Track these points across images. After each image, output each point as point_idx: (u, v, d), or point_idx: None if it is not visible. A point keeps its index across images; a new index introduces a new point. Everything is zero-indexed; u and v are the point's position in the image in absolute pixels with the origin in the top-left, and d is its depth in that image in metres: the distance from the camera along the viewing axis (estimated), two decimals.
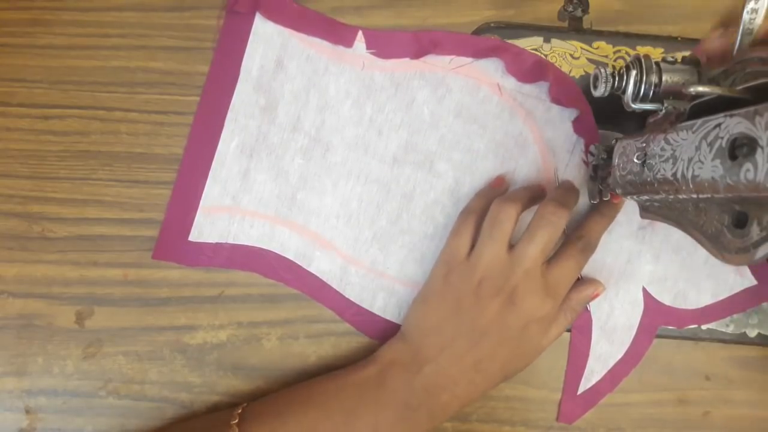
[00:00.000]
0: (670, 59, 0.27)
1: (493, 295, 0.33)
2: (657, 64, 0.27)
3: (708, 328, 0.38)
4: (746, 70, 0.22)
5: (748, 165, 0.20)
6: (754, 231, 0.21)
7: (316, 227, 0.39)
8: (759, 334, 0.38)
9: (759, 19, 0.23)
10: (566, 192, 0.36)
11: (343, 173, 0.39)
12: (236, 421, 0.33)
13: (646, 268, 0.38)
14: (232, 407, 0.35)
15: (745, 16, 0.23)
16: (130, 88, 0.40)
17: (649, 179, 0.27)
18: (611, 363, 0.38)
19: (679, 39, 0.39)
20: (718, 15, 0.26)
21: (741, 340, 0.38)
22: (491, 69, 0.38)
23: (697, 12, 0.39)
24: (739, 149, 0.21)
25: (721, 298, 0.38)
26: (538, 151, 0.38)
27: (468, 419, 0.39)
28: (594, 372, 0.39)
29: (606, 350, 0.39)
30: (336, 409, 0.33)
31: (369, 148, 0.38)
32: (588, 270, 0.38)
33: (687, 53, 0.27)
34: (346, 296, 0.39)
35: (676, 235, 0.38)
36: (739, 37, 0.23)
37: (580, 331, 0.39)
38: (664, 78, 0.26)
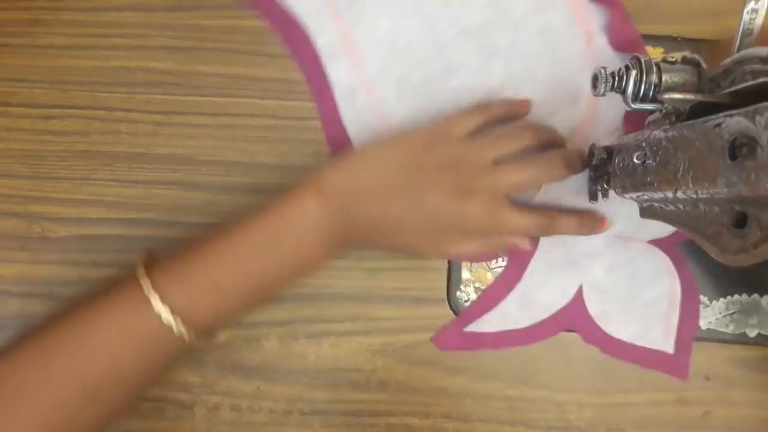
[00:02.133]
0: (670, 59, 0.27)
1: (453, 183, 0.33)
2: (657, 64, 0.27)
3: (708, 328, 0.38)
4: (746, 70, 0.23)
5: (748, 165, 0.20)
6: (754, 231, 0.21)
7: (360, 34, 0.38)
8: (759, 334, 0.38)
9: (759, 19, 0.23)
10: (578, 159, 0.36)
11: (412, 11, 0.38)
12: (141, 263, 0.32)
13: (597, 272, 0.38)
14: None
15: (745, 17, 0.23)
16: (130, 88, 0.40)
17: (649, 179, 0.27)
18: (509, 326, 0.38)
19: (679, 39, 0.39)
20: (718, 15, 0.26)
21: (741, 340, 0.38)
22: (594, 15, 0.38)
23: (696, 12, 0.39)
24: (739, 149, 0.21)
25: (635, 343, 0.38)
26: (585, 114, 0.38)
27: (468, 419, 0.39)
28: (489, 323, 0.39)
29: (513, 314, 0.38)
30: (257, 235, 0.32)
31: (450, 5, 0.38)
32: (553, 238, 0.38)
33: (687, 53, 0.27)
34: (340, 110, 0.38)
35: (641, 262, 0.38)
36: (739, 37, 0.23)
37: (511, 272, 0.39)
38: (664, 78, 0.26)
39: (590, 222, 0.37)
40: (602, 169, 0.34)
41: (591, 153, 0.35)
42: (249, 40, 0.40)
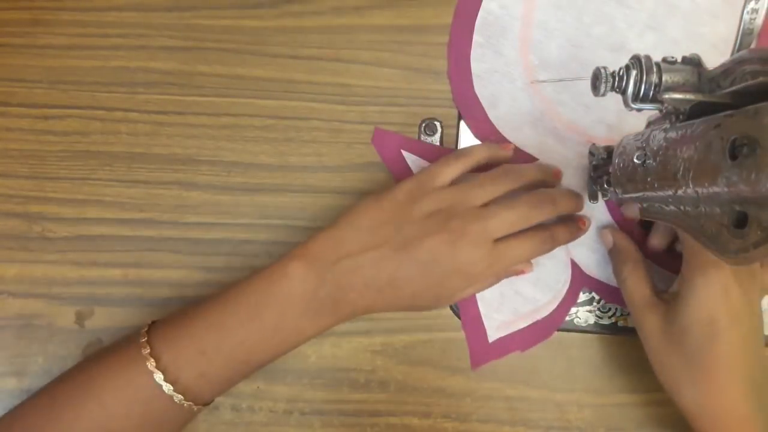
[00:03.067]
0: (670, 59, 0.27)
1: (440, 228, 0.32)
2: (657, 64, 0.26)
3: None
4: (746, 70, 0.22)
5: (748, 165, 0.20)
6: (754, 231, 0.21)
7: None
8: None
9: (759, 20, 0.23)
10: (573, 199, 0.36)
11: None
12: (146, 329, 0.32)
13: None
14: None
15: (745, 17, 0.23)
16: (130, 88, 0.40)
17: (649, 179, 0.27)
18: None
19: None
20: (716, 16, 0.26)
21: None
22: None
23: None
24: (739, 149, 0.21)
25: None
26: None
27: (468, 419, 0.39)
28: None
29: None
30: (241, 303, 0.32)
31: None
32: None
33: (687, 53, 0.27)
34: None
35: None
36: (739, 37, 0.23)
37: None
38: (664, 78, 0.26)
39: (576, 226, 0.37)
40: (602, 169, 0.34)
41: (591, 153, 0.35)
42: (249, 40, 0.40)
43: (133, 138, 0.40)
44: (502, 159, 0.37)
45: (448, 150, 0.39)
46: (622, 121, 0.38)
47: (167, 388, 0.30)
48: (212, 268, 0.39)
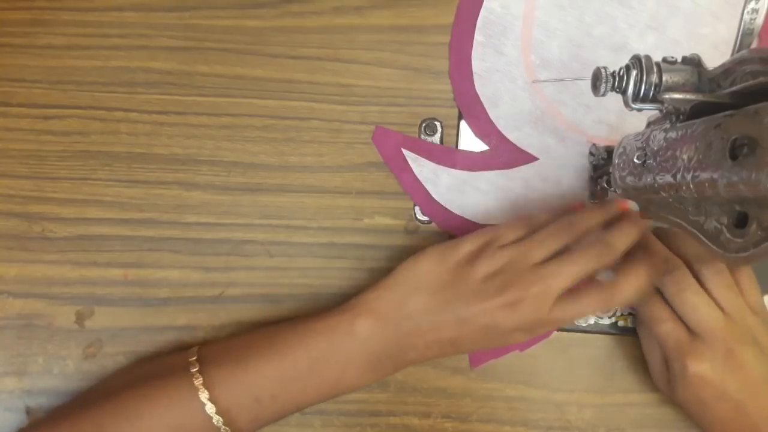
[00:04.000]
0: (670, 59, 0.27)
1: (500, 291, 0.32)
2: (657, 64, 0.26)
3: None
4: (746, 70, 0.22)
5: (749, 165, 0.20)
6: (754, 231, 0.21)
7: None
8: None
9: (759, 19, 0.23)
10: (631, 232, 0.34)
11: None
12: (197, 368, 0.32)
13: None
14: (184, 351, 0.34)
15: (746, 17, 0.23)
16: (130, 88, 0.40)
17: (649, 179, 0.27)
18: None
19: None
20: (717, 17, 0.26)
21: None
22: None
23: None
24: (740, 149, 0.21)
25: None
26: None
27: (468, 419, 0.39)
28: None
29: None
30: (301, 356, 0.32)
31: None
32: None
33: (688, 53, 0.27)
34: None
35: None
36: (739, 37, 0.23)
37: None
38: (664, 78, 0.26)
39: (647, 276, 0.33)
40: (602, 169, 0.34)
41: (591, 153, 0.35)
42: (249, 40, 0.40)
43: (133, 138, 0.39)
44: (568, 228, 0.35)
45: (449, 149, 0.39)
46: (623, 122, 0.38)
47: (221, 428, 0.31)
48: (212, 268, 0.39)
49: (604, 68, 0.29)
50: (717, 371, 0.32)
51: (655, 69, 0.26)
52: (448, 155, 0.39)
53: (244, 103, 0.40)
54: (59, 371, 0.39)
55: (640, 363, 0.39)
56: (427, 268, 0.34)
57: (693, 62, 0.27)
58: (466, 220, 0.39)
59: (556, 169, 0.39)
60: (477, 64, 0.39)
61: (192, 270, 0.39)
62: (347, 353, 0.32)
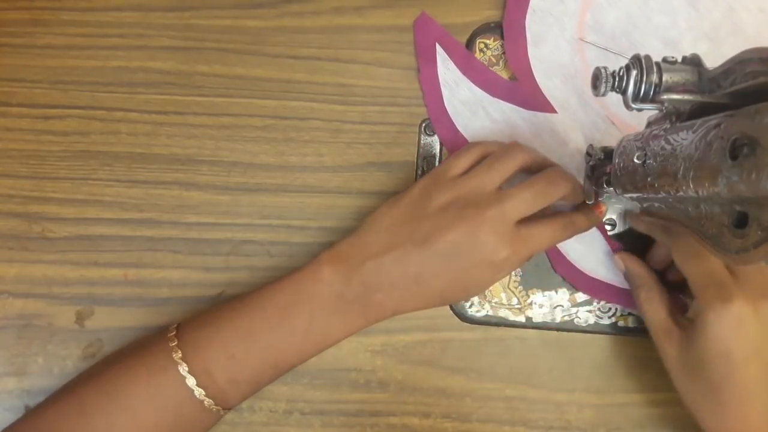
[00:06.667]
0: (670, 59, 0.27)
1: (458, 218, 0.32)
2: (657, 64, 0.26)
3: None
4: (746, 70, 0.22)
5: (749, 165, 0.20)
6: (755, 231, 0.21)
7: None
8: None
9: None
10: (571, 177, 0.35)
11: None
12: (174, 333, 0.32)
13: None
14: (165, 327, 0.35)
15: None
16: (130, 88, 0.40)
17: (649, 179, 0.27)
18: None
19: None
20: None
21: None
22: None
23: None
24: (740, 149, 0.21)
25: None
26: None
27: (468, 419, 0.39)
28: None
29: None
30: (271, 308, 0.32)
31: None
32: None
33: (687, 53, 0.27)
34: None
35: None
36: None
37: None
38: (664, 78, 0.26)
39: (594, 213, 0.36)
40: (600, 169, 0.34)
41: (588, 153, 0.35)
42: (249, 40, 0.40)
43: (133, 138, 0.40)
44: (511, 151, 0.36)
45: (483, 67, 0.40)
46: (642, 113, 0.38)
47: (199, 393, 0.31)
48: (212, 268, 0.39)
49: (604, 68, 0.29)
50: (761, 318, 0.30)
51: (655, 69, 0.26)
52: (478, 71, 0.40)
53: (244, 103, 0.40)
54: (59, 371, 0.39)
55: (640, 363, 0.39)
56: (387, 210, 0.34)
57: (693, 62, 0.27)
58: (464, 138, 0.39)
59: (568, 129, 0.39)
60: (535, 1, 0.39)
61: (192, 270, 0.39)
62: (313, 297, 0.32)
